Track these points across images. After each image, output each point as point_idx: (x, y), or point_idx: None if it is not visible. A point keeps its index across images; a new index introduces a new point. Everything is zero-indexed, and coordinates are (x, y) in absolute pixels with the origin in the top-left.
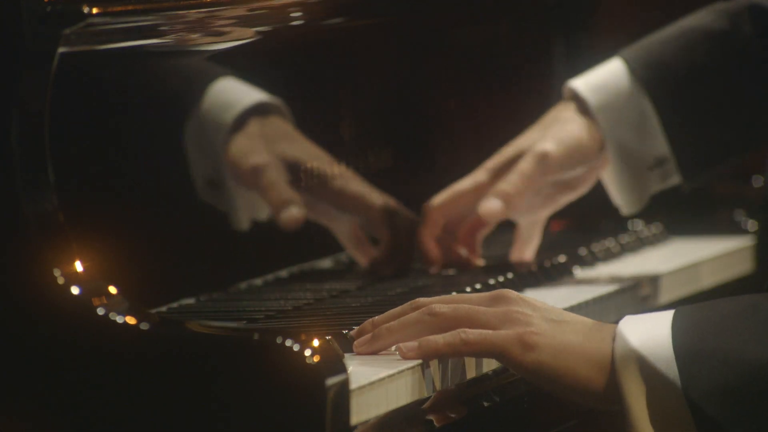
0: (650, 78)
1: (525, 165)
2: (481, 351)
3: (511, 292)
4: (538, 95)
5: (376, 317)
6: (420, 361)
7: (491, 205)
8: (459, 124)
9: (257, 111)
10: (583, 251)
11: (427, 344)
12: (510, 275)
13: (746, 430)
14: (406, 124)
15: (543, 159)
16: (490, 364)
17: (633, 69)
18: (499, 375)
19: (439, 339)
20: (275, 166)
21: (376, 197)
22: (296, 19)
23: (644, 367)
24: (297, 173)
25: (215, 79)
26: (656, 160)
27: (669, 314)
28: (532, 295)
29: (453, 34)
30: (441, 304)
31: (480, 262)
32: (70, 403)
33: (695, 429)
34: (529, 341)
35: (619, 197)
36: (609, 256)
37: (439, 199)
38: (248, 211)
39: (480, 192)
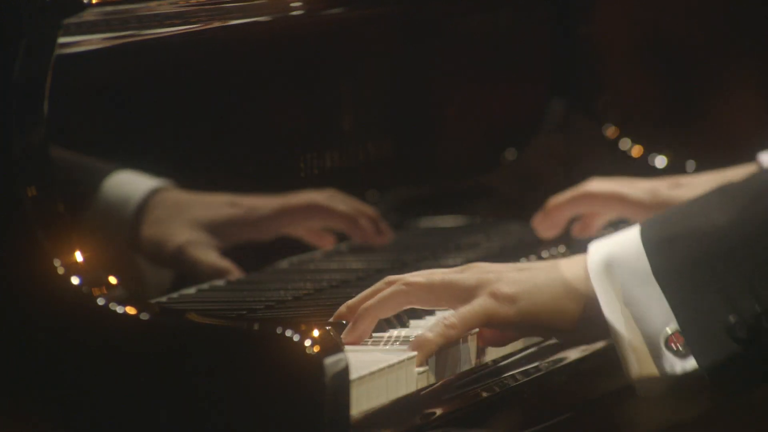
0: None
1: None
2: (468, 327)
3: (479, 263)
4: (538, 86)
5: (350, 301)
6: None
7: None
8: (459, 113)
9: (152, 198)
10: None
11: (424, 345)
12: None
13: (717, 296)
14: (406, 113)
15: None
16: (489, 354)
17: None
18: (499, 365)
19: (430, 336)
20: (194, 241)
21: (302, 200)
22: (296, 9)
23: (616, 265)
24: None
25: (216, 70)
26: None
27: (639, 224)
28: None
29: (453, 25)
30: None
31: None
32: (70, 393)
33: (670, 309)
34: (505, 294)
35: None
36: None
37: (604, 188)
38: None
39: (637, 207)
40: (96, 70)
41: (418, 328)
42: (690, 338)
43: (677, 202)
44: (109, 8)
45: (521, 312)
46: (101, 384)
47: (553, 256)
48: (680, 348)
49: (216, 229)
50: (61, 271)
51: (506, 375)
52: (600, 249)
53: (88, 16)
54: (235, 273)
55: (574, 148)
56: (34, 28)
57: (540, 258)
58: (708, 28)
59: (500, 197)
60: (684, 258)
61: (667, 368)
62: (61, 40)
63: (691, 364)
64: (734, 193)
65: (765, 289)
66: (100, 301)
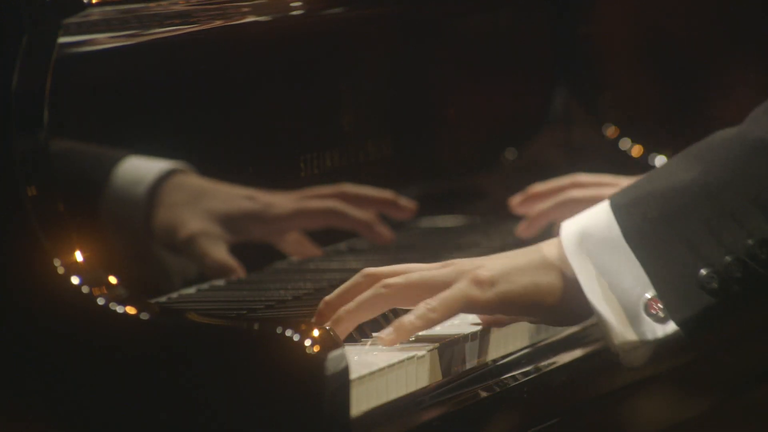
0: None
1: None
2: (449, 311)
3: (460, 259)
4: (538, 86)
5: (328, 297)
6: (419, 351)
7: None
8: (459, 113)
9: (167, 179)
10: None
11: (402, 326)
12: None
13: (685, 249)
14: (406, 113)
15: None
16: (489, 354)
17: None
18: (499, 365)
19: (410, 317)
20: (206, 233)
21: (304, 204)
22: (296, 9)
23: (589, 236)
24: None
25: (215, 70)
26: None
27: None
28: None
29: (453, 24)
30: (392, 273)
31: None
32: (70, 393)
33: (645, 273)
34: (485, 278)
35: None
36: None
37: (591, 179)
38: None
39: None
40: (96, 69)
41: None
42: (666, 299)
43: None
44: (110, 8)
45: (501, 294)
46: (101, 384)
47: None
48: (659, 312)
49: (230, 222)
50: (61, 271)
51: (506, 375)
52: (572, 225)
53: (88, 16)
54: (239, 273)
55: (574, 148)
56: (34, 28)
57: None
58: (708, 28)
59: (500, 197)
60: (652, 216)
61: (648, 334)
62: (62, 40)
63: (671, 327)
64: (697, 154)
65: (729, 237)
66: (100, 301)
